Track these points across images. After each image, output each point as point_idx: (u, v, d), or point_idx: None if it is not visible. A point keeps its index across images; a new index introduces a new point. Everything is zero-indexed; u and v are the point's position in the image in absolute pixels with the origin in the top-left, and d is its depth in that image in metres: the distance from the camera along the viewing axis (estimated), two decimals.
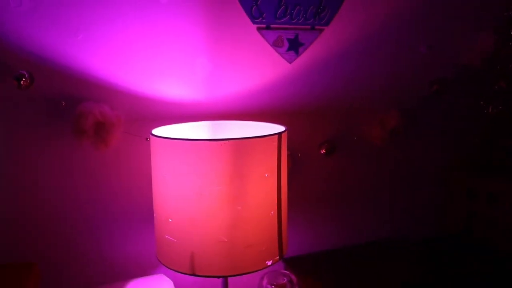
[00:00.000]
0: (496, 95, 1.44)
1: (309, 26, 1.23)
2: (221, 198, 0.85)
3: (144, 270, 1.15)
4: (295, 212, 1.22)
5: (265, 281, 1.07)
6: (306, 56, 1.24)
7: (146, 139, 1.07)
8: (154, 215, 0.95)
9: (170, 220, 0.89)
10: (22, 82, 0.96)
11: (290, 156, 1.14)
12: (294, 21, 1.21)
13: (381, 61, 1.34)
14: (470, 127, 1.49)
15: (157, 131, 0.97)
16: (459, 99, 1.44)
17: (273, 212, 0.92)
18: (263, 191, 0.89)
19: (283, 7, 1.19)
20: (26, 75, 0.96)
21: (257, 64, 1.20)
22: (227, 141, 0.83)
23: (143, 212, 1.13)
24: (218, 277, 0.93)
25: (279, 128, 0.98)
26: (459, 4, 1.38)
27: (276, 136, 0.90)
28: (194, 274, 0.88)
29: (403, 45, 1.35)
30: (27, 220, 1.04)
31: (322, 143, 1.30)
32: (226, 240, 0.86)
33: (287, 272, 1.10)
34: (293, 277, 1.08)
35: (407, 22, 1.34)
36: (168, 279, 1.07)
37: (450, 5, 1.38)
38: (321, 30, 1.24)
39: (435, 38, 1.37)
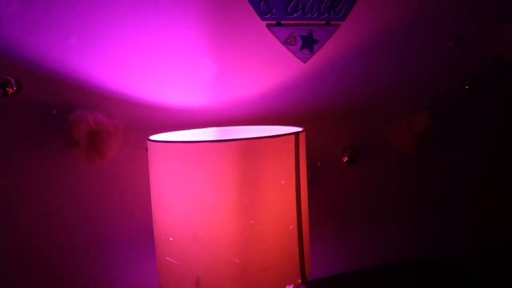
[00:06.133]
0: None
1: (323, 22, 1.11)
2: (229, 211, 0.72)
3: None
4: (314, 229, 1.08)
5: None
6: (321, 54, 1.13)
7: (146, 149, 0.95)
8: (154, 234, 0.83)
9: (170, 239, 0.76)
10: (8, 89, 0.88)
11: (309, 165, 1.01)
12: (307, 16, 1.10)
13: (405, 57, 1.21)
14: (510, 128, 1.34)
15: (155, 137, 0.85)
16: (495, 95, 1.30)
17: (293, 226, 0.79)
18: (280, 201, 0.76)
19: (294, 1, 1.08)
20: (13, 82, 0.88)
21: (268, 64, 1.09)
22: (234, 142, 0.71)
23: (146, 232, 1.00)
24: None
25: (296, 129, 0.85)
26: None
27: (293, 136, 0.78)
28: None
29: (428, 39, 1.22)
30: (10, 249, 0.93)
31: (344, 150, 1.16)
32: (237, 261, 0.73)
33: None
34: None
35: (431, 15, 1.21)
36: None
37: None
38: (337, 26, 1.13)
39: (462, 31, 1.24)
